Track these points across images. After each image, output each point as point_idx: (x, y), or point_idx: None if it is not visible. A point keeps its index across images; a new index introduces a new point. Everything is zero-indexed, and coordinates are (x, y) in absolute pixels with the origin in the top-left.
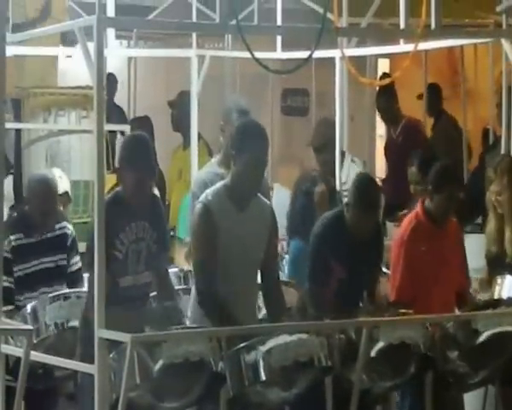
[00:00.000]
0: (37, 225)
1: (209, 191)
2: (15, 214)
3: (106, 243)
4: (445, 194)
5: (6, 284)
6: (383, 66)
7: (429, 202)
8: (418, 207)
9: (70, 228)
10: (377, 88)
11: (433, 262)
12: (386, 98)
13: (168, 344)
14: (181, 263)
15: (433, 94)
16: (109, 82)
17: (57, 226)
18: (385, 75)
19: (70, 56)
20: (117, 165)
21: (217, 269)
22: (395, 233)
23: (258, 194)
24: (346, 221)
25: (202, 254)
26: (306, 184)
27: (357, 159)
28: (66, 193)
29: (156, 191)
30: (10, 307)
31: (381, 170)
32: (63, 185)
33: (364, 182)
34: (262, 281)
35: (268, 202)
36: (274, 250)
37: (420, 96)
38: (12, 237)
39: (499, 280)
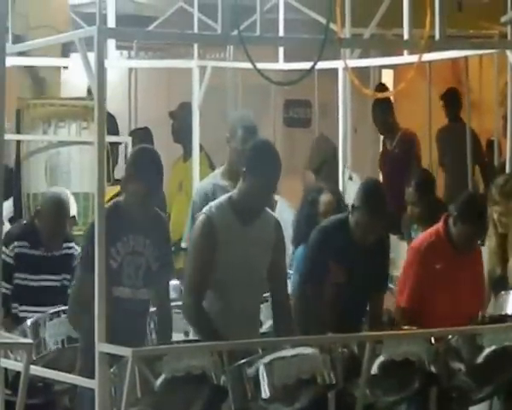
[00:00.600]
0: (45, 241)
1: (213, 204)
2: (24, 222)
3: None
4: (468, 226)
5: (3, 290)
6: (387, 77)
7: (452, 226)
8: (440, 224)
9: (77, 249)
10: (373, 99)
11: (445, 283)
12: (383, 110)
13: (169, 358)
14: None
15: (453, 98)
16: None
17: (64, 245)
18: (381, 86)
19: (66, 67)
20: (123, 174)
21: (207, 288)
22: (413, 242)
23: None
24: (350, 225)
25: (196, 269)
26: (312, 194)
27: (355, 175)
28: (74, 217)
29: None
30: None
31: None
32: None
33: (371, 186)
34: (270, 296)
35: (274, 216)
36: (281, 264)
37: (442, 97)
38: (16, 243)
39: (503, 295)
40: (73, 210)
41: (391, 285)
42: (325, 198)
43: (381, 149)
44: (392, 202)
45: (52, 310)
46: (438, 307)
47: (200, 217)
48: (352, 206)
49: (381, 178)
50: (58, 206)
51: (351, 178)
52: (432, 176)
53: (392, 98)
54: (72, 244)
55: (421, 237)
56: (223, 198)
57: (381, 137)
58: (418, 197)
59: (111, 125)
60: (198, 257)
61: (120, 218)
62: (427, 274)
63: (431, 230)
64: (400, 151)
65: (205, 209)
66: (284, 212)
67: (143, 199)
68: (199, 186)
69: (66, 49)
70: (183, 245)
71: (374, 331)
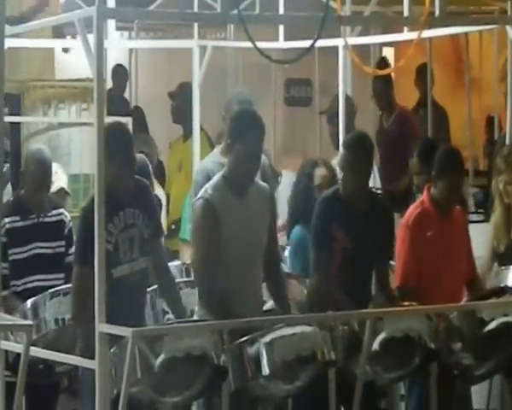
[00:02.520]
0: (33, 206)
1: (208, 185)
2: (12, 198)
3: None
4: (447, 180)
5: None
6: (387, 54)
7: (434, 189)
8: (424, 195)
9: (67, 216)
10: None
11: (439, 248)
12: (383, 84)
13: (170, 338)
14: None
15: (423, 75)
16: (118, 74)
17: (54, 212)
18: (382, 60)
19: (67, 50)
20: None
21: (217, 268)
22: (402, 219)
23: (256, 179)
24: (342, 186)
25: (203, 254)
26: (308, 167)
27: None
28: (62, 189)
29: (158, 187)
30: (4, 293)
31: None
32: (58, 182)
33: (355, 136)
34: (264, 266)
35: (266, 186)
36: (274, 232)
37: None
38: (7, 220)
39: (504, 270)
40: (63, 182)
41: (392, 262)
42: (320, 172)
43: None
44: (389, 179)
45: (52, 290)
46: (437, 273)
47: (198, 202)
48: (340, 165)
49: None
50: (40, 160)
51: None
52: (434, 145)
53: (392, 75)
54: (61, 210)
55: (408, 212)
56: (216, 177)
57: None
58: (422, 167)
59: (127, 108)
60: (203, 240)
61: (107, 200)
62: (419, 246)
63: (416, 203)
64: (397, 129)
65: (201, 193)
66: (288, 187)
67: (118, 178)
68: (200, 166)
69: (59, 31)
70: (185, 237)
71: (383, 304)
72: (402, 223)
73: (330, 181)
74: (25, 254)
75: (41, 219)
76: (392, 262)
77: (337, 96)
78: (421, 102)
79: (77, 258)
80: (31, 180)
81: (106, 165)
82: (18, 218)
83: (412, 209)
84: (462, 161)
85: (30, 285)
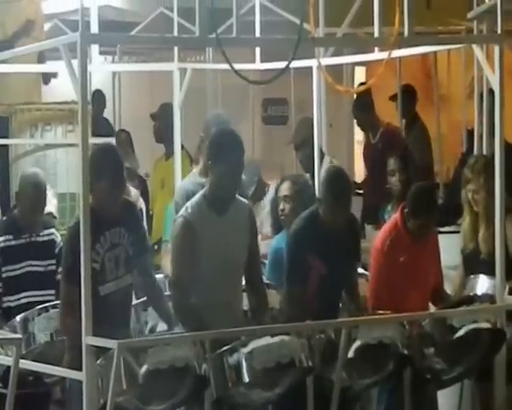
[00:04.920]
0: (26, 226)
1: (188, 204)
2: (5, 218)
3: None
4: (421, 219)
5: None
6: (360, 73)
7: (408, 218)
8: (398, 214)
9: (58, 236)
10: (354, 97)
11: (409, 272)
12: (364, 108)
13: (153, 350)
14: (168, 268)
15: (407, 97)
16: (96, 99)
17: (46, 232)
18: (362, 85)
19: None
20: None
21: (191, 285)
22: (375, 238)
23: (236, 196)
24: (320, 216)
25: (179, 271)
26: (278, 183)
27: (335, 160)
28: (51, 214)
29: (142, 202)
30: None
31: (359, 174)
32: (49, 206)
33: (333, 174)
34: (245, 279)
35: (246, 202)
36: (255, 248)
37: (392, 98)
38: (0, 239)
39: (473, 279)
40: (53, 206)
41: (365, 272)
42: (284, 185)
43: (355, 143)
44: (375, 194)
45: (41, 306)
46: (404, 294)
47: (178, 220)
48: (319, 198)
49: (364, 171)
50: (35, 184)
51: (332, 162)
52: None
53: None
54: (52, 230)
55: (382, 234)
56: (197, 197)
57: (355, 131)
58: (398, 167)
59: (108, 128)
60: (180, 258)
61: (94, 220)
62: (392, 270)
63: (389, 224)
64: (383, 146)
65: (181, 211)
66: None
67: (107, 198)
68: (179, 186)
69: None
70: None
71: (354, 312)
72: (376, 246)
73: (295, 194)
74: (18, 272)
75: (33, 239)
76: (361, 270)
77: (302, 120)
78: (409, 130)
79: (64, 276)
80: (27, 203)
81: (93, 186)
82: (11, 237)
83: (386, 232)
84: (436, 199)
85: (23, 301)
